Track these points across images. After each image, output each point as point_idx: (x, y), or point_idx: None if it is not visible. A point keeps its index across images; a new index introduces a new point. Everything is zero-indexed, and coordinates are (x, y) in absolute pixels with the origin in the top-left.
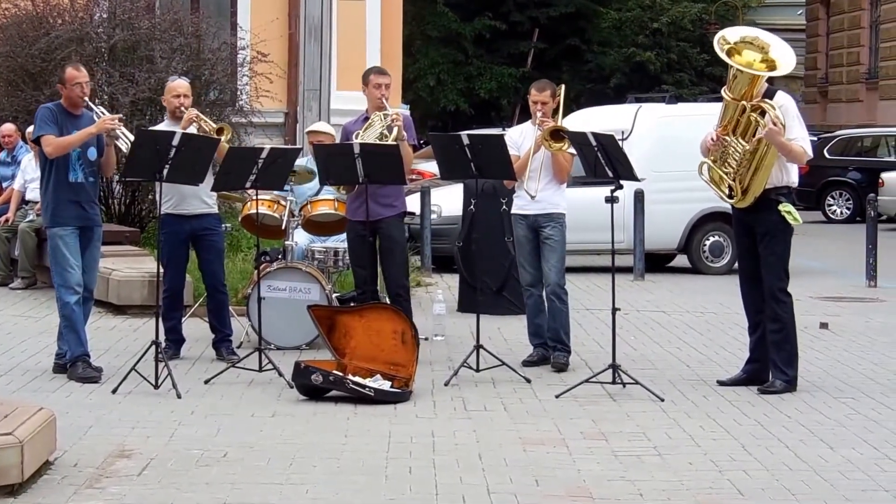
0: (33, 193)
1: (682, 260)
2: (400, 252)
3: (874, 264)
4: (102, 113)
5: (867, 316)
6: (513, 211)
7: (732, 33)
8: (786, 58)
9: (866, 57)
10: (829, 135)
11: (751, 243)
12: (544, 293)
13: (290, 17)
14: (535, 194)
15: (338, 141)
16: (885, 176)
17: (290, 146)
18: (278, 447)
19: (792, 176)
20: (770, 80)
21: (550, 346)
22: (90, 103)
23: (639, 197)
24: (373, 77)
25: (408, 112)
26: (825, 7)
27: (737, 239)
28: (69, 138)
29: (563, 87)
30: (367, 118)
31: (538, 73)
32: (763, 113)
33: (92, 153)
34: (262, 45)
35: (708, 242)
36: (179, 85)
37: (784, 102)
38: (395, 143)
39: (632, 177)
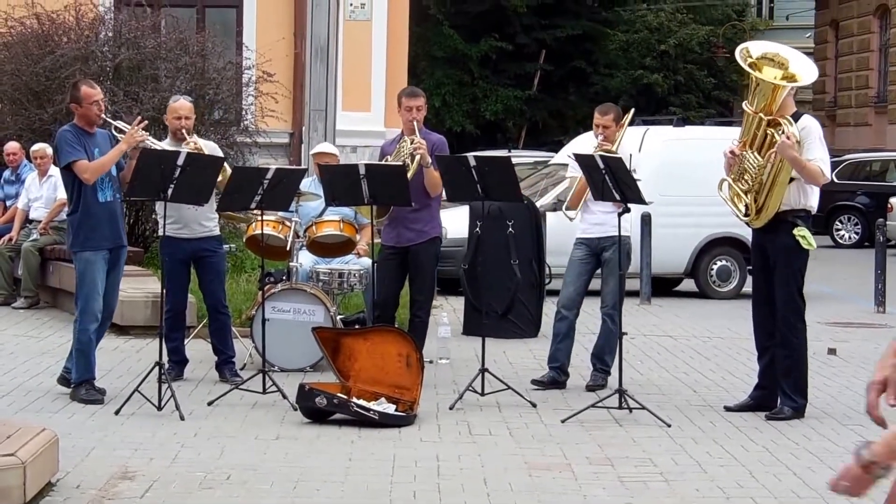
0: (37, 212)
1: (688, 284)
2: (427, 277)
3: (883, 290)
4: (120, 127)
5: (876, 342)
6: (577, 235)
7: (755, 47)
8: (806, 70)
9: (875, 80)
10: (837, 159)
11: (765, 265)
12: (601, 313)
13: (296, 37)
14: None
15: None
16: (893, 200)
17: (295, 167)
18: (282, 470)
19: (811, 199)
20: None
21: (592, 364)
22: (107, 119)
23: (646, 220)
24: (404, 100)
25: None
26: (834, 30)
27: (753, 260)
28: (104, 160)
29: (632, 110)
30: (402, 138)
31: (544, 95)
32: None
33: (113, 169)
34: (268, 64)
35: (715, 267)
36: (182, 106)
37: (808, 124)
38: (401, 164)
39: (639, 200)
